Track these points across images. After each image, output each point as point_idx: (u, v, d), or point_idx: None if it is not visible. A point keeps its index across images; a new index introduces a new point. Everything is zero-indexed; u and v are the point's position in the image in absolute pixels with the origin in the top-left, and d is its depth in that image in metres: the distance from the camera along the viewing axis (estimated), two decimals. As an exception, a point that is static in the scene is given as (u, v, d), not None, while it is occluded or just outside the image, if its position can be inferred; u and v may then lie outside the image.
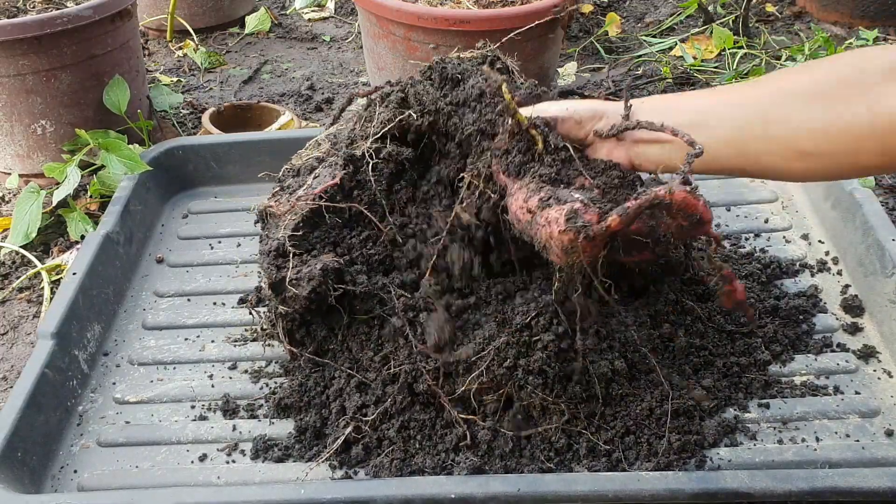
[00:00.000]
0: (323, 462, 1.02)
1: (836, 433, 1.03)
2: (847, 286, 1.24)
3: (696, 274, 1.14)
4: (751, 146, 0.84)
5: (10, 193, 1.77)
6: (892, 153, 0.75)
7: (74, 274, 1.26)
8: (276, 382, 1.16)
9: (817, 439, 1.03)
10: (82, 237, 1.54)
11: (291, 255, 1.02)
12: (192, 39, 2.38)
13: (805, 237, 1.34)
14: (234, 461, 1.06)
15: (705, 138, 0.84)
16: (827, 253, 1.30)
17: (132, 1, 1.70)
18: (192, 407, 1.15)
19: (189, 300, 1.34)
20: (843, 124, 0.76)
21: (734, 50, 2.14)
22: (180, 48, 2.39)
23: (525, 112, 0.93)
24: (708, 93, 0.93)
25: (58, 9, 1.67)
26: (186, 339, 1.26)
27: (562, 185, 0.91)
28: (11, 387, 1.29)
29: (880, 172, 0.83)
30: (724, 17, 2.32)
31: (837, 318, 1.19)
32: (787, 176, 0.88)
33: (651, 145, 0.91)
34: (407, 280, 1.08)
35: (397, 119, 1.05)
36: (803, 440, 1.03)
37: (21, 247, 1.56)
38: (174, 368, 1.22)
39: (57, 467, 1.08)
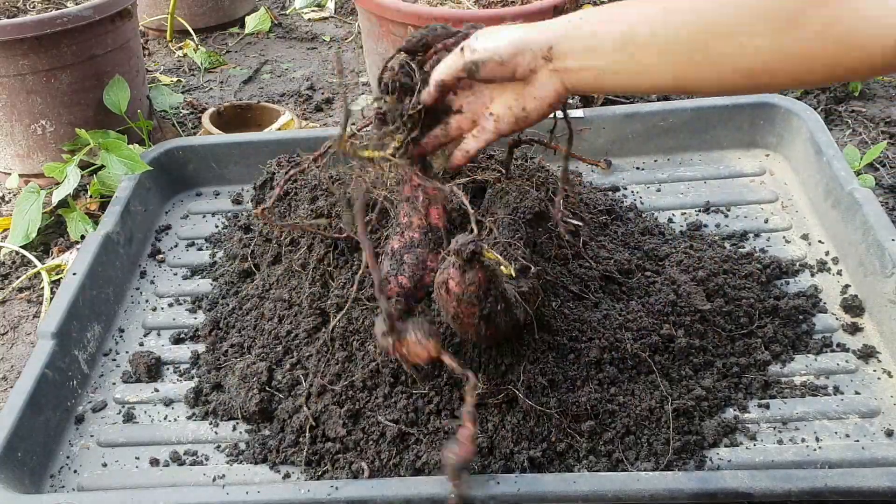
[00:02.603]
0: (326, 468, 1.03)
1: (836, 433, 1.03)
2: (847, 286, 1.24)
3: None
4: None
5: (10, 193, 1.77)
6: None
7: (74, 274, 1.26)
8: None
9: (817, 439, 1.03)
10: (82, 237, 1.54)
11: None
12: (192, 39, 2.38)
13: (805, 237, 1.34)
14: (234, 461, 1.07)
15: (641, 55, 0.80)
16: (827, 253, 1.30)
17: (132, 1, 1.70)
18: (192, 407, 1.15)
19: (189, 300, 1.34)
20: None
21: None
22: (180, 48, 2.39)
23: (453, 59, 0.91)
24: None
25: (58, 9, 1.67)
26: (187, 339, 1.27)
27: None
28: (11, 387, 1.30)
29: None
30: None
31: (837, 318, 1.19)
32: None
33: (582, 72, 0.86)
34: None
35: None
36: (803, 440, 1.03)
37: (21, 247, 1.56)
38: (174, 368, 1.22)
39: (57, 467, 1.08)
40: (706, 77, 0.78)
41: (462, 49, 0.90)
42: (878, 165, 1.68)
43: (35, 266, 1.54)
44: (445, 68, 0.91)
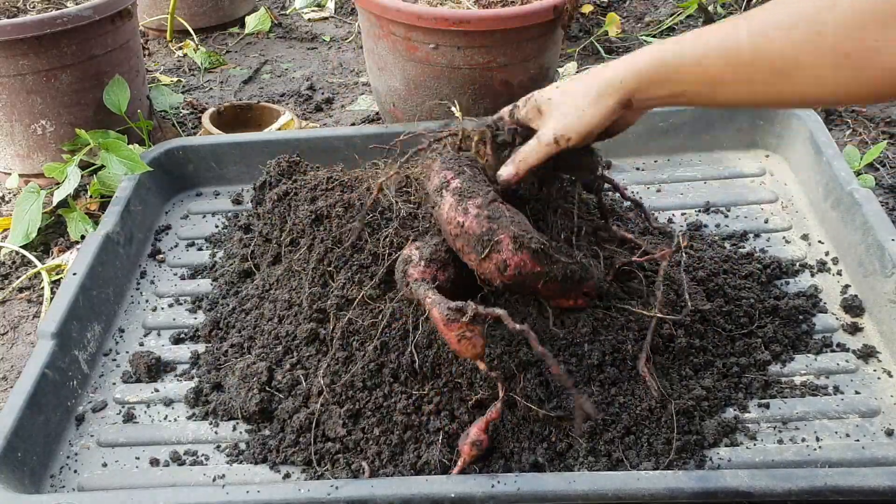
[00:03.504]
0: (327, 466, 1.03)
1: (836, 433, 1.03)
2: (847, 286, 1.24)
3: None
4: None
5: (10, 193, 1.77)
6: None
7: (74, 274, 1.26)
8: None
9: (817, 439, 1.03)
10: (82, 237, 1.54)
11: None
12: (192, 39, 2.38)
13: (805, 237, 1.34)
14: (234, 461, 1.07)
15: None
16: (827, 253, 1.30)
17: (132, 1, 1.70)
18: (192, 407, 1.15)
19: (189, 300, 1.34)
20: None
21: (734, 50, 2.14)
22: (180, 48, 2.39)
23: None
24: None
25: (58, 9, 1.67)
26: (187, 339, 1.27)
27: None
28: (11, 387, 1.29)
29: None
30: (724, 17, 2.32)
31: (837, 318, 1.19)
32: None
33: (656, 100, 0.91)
34: None
35: None
36: (803, 440, 1.03)
37: (21, 247, 1.56)
38: (174, 368, 1.22)
39: (57, 467, 1.08)
40: (786, 100, 0.82)
41: (556, 140, 0.95)
42: (878, 165, 1.68)
43: (35, 266, 1.54)
44: (535, 157, 0.97)
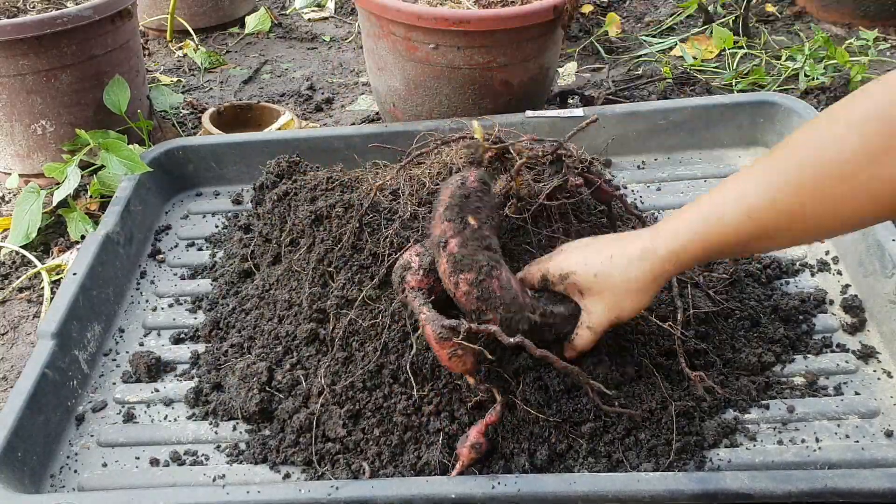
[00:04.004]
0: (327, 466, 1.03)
1: (835, 434, 1.03)
2: (847, 286, 1.24)
3: None
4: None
5: (10, 193, 1.77)
6: None
7: (74, 274, 1.26)
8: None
9: (817, 440, 1.03)
10: (82, 237, 1.54)
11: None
12: (192, 39, 2.38)
13: (805, 237, 1.34)
14: (234, 461, 1.07)
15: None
16: (827, 253, 1.30)
17: (132, 1, 1.70)
18: (193, 407, 1.15)
19: (189, 300, 1.34)
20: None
21: (734, 50, 2.14)
22: (180, 48, 2.39)
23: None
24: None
25: (58, 9, 1.67)
26: (187, 339, 1.27)
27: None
28: (11, 387, 1.29)
29: None
30: (724, 17, 2.32)
31: (837, 318, 1.19)
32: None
33: None
34: None
35: None
36: (803, 441, 1.03)
37: (21, 247, 1.56)
38: (174, 368, 1.22)
39: (57, 467, 1.08)
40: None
41: (610, 325, 0.95)
42: (878, 165, 1.68)
43: (35, 266, 1.54)
44: (589, 343, 0.98)
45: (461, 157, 1.11)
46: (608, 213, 1.20)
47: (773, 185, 0.77)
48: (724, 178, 0.85)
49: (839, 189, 0.72)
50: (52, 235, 1.62)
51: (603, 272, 0.92)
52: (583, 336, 0.97)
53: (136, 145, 1.64)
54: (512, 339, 0.91)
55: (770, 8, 2.41)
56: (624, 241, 0.92)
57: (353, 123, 1.98)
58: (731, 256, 0.86)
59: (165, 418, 1.14)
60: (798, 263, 1.29)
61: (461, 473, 0.96)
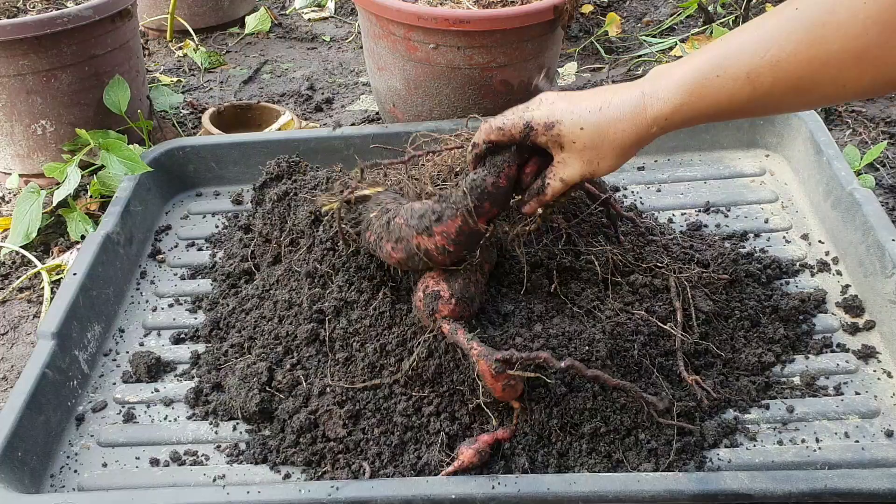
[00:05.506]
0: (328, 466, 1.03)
1: (835, 434, 1.03)
2: (847, 286, 1.24)
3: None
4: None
5: (10, 193, 1.77)
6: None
7: (75, 274, 1.26)
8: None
9: (817, 440, 1.03)
10: (82, 237, 1.54)
11: None
12: (192, 39, 2.38)
13: (805, 237, 1.34)
14: (234, 461, 1.07)
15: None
16: (827, 253, 1.30)
17: (132, 1, 1.70)
18: (193, 407, 1.15)
19: (189, 300, 1.34)
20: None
21: (734, 50, 2.14)
22: (180, 48, 2.39)
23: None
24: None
25: (58, 9, 1.67)
26: (187, 339, 1.27)
27: None
28: (11, 387, 1.29)
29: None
30: (724, 17, 2.32)
31: (837, 318, 1.19)
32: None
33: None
34: None
35: None
36: (803, 441, 1.03)
37: (21, 247, 1.56)
38: (174, 368, 1.22)
39: (57, 467, 1.08)
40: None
41: (582, 180, 0.92)
42: (878, 165, 1.68)
43: (35, 266, 1.54)
44: (555, 195, 0.94)
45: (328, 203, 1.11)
46: (607, 212, 1.20)
47: (775, 45, 0.75)
48: (727, 37, 0.80)
49: (845, 56, 0.71)
50: (52, 235, 1.62)
51: (590, 124, 0.88)
52: (554, 187, 0.93)
53: (136, 145, 1.64)
54: (562, 364, 0.92)
55: (770, 8, 2.41)
56: (617, 93, 0.88)
57: (353, 123, 1.98)
58: (720, 120, 0.84)
59: (165, 418, 1.14)
60: (798, 263, 1.29)
61: (454, 474, 0.96)
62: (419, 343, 1.04)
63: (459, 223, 0.95)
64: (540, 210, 0.97)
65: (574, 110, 0.88)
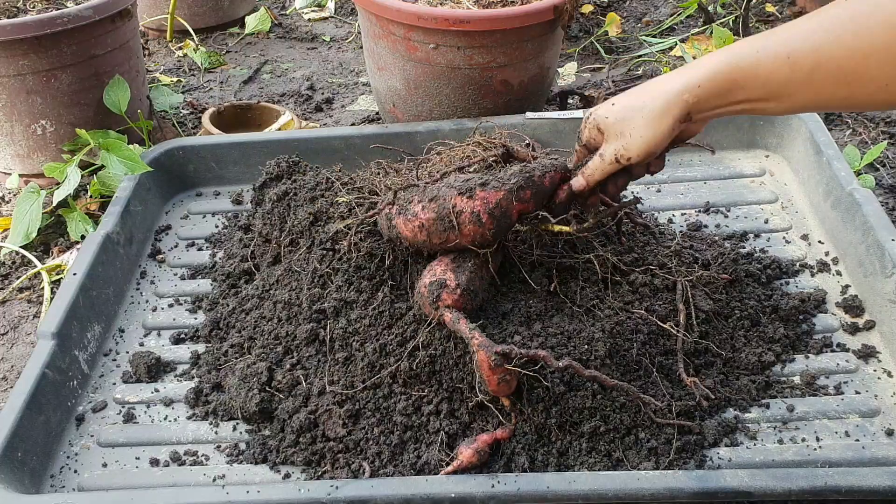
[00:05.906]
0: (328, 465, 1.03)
1: (836, 433, 1.03)
2: (847, 286, 1.24)
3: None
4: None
5: (10, 193, 1.77)
6: None
7: (75, 274, 1.26)
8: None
9: (817, 439, 1.03)
10: (82, 237, 1.54)
11: None
12: (192, 39, 2.38)
13: (805, 237, 1.34)
14: (234, 461, 1.07)
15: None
16: (827, 253, 1.30)
17: (132, 1, 1.70)
18: (193, 407, 1.15)
19: (189, 300, 1.34)
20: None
21: (734, 50, 2.14)
22: (180, 48, 2.39)
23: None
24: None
25: (58, 9, 1.67)
26: (187, 339, 1.27)
27: None
28: (11, 387, 1.29)
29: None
30: (724, 17, 2.32)
31: (837, 318, 1.19)
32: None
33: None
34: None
35: None
36: (803, 440, 1.03)
37: (21, 247, 1.56)
38: (174, 368, 1.22)
39: (57, 467, 1.08)
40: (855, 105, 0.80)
41: (616, 160, 0.95)
42: (878, 165, 1.68)
43: (35, 266, 1.54)
44: (600, 174, 0.98)
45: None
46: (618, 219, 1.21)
47: (821, 30, 0.76)
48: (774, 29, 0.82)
49: (889, 51, 0.71)
50: (52, 235, 1.62)
51: (615, 109, 0.93)
52: (594, 162, 0.98)
53: (136, 145, 1.64)
54: (560, 363, 0.92)
55: (770, 8, 2.41)
56: (654, 79, 0.92)
57: (353, 123, 1.98)
58: (755, 104, 0.83)
59: (165, 418, 1.14)
60: (798, 263, 1.29)
61: (454, 472, 0.96)
62: (420, 332, 1.04)
63: (501, 196, 1.00)
64: (589, 184, 1.00)
65: (611, 99, 0.94)
